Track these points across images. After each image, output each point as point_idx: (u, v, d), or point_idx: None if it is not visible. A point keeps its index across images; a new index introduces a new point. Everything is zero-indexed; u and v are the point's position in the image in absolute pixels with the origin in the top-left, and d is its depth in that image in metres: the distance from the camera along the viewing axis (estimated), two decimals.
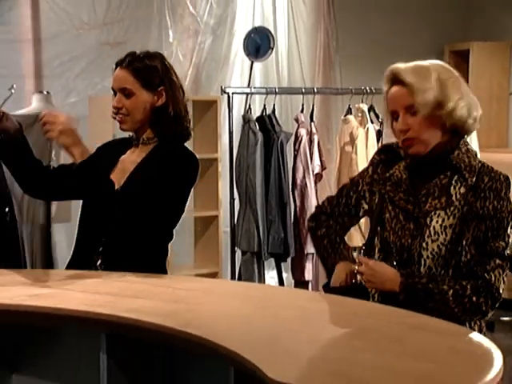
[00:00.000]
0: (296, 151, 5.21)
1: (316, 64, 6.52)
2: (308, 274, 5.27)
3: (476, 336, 1.83)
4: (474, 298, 2.16)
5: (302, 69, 6.47)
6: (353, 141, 5.18)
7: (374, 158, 2.46)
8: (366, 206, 2.42)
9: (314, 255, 5.24)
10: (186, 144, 2.83)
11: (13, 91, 2.93)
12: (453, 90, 2.21)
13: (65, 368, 2.14)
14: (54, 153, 4.52)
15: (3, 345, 2.16)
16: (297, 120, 5.27)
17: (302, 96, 5.38)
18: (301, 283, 5.31)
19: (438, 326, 1.90)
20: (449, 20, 7.25)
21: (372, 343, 1.74)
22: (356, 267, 2.23)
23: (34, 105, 4.79)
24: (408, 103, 2.21)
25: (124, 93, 2.72)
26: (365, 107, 5.30)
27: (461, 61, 7.11)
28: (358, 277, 2.23)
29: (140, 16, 5.82)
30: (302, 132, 5.21)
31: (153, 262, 2.66)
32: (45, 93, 4.85)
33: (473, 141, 5.63)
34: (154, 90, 2.70)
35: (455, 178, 2.23)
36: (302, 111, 5.28)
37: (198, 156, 5.39)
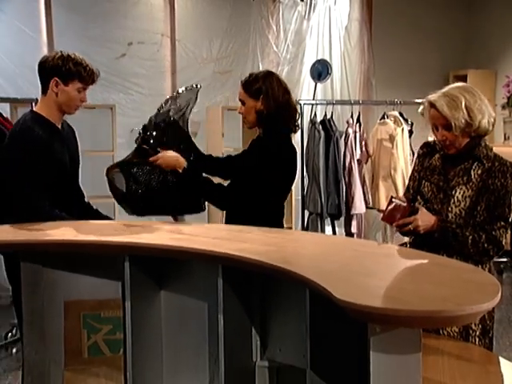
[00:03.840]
0: (345, 144, 5.11)
1: (358, 84, 6.42)
2: (353, 228, 5.20)
3: (482, 272, 1.74)
4: (486, 245, 2.12)
5: (348, 87, 6.37)
6: (393, 138, 5.04)
7: (418, 151, 2.41)
8: (416, 185, 2.35)
9: (357, 215, 5.17)
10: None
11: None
12: (478, 113, 2.13)
13: (195, 287, 2.15)
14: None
15: (155, 271, 2.19)
16: (347, 122, 5.17)
17: (350, 106, 5.28)
18: (349, 235, 5.24)
19: (456, 264, 1.82)
20: (453, 54, 7.04)
21: (409, 275, 1.68)
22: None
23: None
24: (443, 123, 2.15)
25: (241, 102, 2.63)
26: (396, 113, 5.15)
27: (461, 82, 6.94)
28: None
29: (240, 53, 5.81)
30: (350, 131, 5.11)
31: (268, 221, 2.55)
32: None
33: None
34: (256, 98, 2.55)
35: (475, 164, 2.19)
36: (351, 116, 5.18)
37: None
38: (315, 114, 5.12)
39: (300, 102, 5.05)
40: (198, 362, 2.16)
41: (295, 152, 2.70)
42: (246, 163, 2.63)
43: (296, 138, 5.26)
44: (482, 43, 7.08)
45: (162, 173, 2.57)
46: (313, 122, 5.07)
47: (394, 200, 2.18)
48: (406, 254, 1.96)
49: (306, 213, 5.21)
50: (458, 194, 2.17)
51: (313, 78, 5.63)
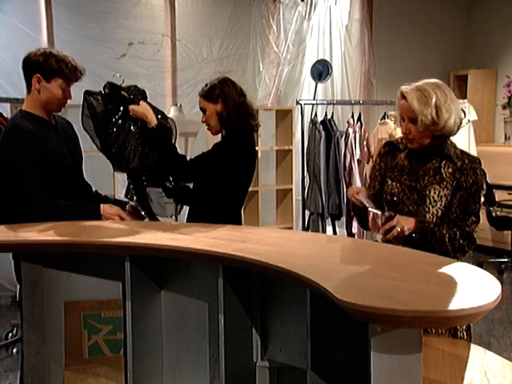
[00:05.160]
0: (345, 144, 5.11)
1: (358, 84, 6.42)
2: (354, 229, 5.19)
3: (482, 272, 1.72)
4: (461, 241, 2.16)
5: (349, 87, 6.37)
6: (392, 138, 5.02)
7: (380, 150, 2.40)
8: (377, 185, 2.35)
9: None
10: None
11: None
12: (445, 113, 2.13)
13: (195, 287, 2.15)
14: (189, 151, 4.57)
15: (155, 271, 2.18)
16: (348, 122, 5.16)
17: (351, 106, 5.27)
18: (350, 235, 5.23)
19: (456, 264, 1.81)
20: (453, 54, 7.08)
21: (406, 275, 1.67)
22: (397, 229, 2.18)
23: (171, 113, 4.84)
24: (410, 115, 2.15)
25: (202, 111, 2.79)
26: (397, 113, 5.14)
27: (461, 82, 7.03)
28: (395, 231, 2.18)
29: (241, 53, 5.82)
30: (350, 131, 5.11)
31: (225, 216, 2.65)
32: (178, 105, 4.90)
33: (471, 138, 5.44)
34: (215, 102, 2.70)
35: (443, 162, 2.21)
36: (352, 117, 5.18)
37: (277, 148, 5.34)
38: (316, 114, 5.13)
39: (300, 102, 5.07)
40: (198, 362, 2.15)
41: (254, 148, 2.81)
42: (206, 160, 2.74)
43: (297, 138, 5.28)
44: (482, 43, 7.08)
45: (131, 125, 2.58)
46: (313, 122, 5.07)
47: (370, 210, 2.22)
48: (407, 254, 1.96)
49: (307, 213, 5.21)
50: (432, 193, 2.19)
51: (313, 78, 5.63)
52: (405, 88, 2.17)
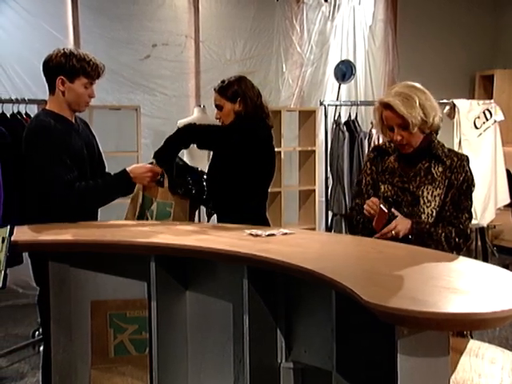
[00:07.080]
0: (369, 145, 5.06)
1: (382, 85, 6.36)
2: None
3: (507, 273, 1.69)
4: (457, 239, 2.18)
5: (372, 88, 6.31)
6: None
7: (368, 156, 2.42)
8: (371, 190, 2.34)
9: None
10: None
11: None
12: (430, 110, 2.18)
13: (220, 288, 2.15)
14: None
15: (180, 271, 2.19)
16: (372, 123, 5.12)
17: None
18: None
19: (483, 266, 1.79)
20: (479, 54, 6.94)
21: (436, 277, 1.66)
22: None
23: (195, 114, 4.89)
24: (400, 122, 2.18)
25: (218, 108, 2.78)
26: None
27: (487, 83, 6.89)
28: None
29: (264, 54, 5.81)
30: (374, 132, 5.06)
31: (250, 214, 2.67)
32: (202, 106, 4.92)
33: (497, 138, 5.35)
34: (234, 101, 2.70)
35: (433, 162, 2.24)
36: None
37: (300, 148, 5.31)
38: (339, 115, 5.10)
39: (324, 102, 5.04)
40: (222, 363, 2.16)
41: (270, 139, 2.79)
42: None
43: (320, 139, 5.26)
44: (509, 43, 6.97)
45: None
46: (337, 122, 5.04)
47: (381, 207, 2.19)
48: (433, 256, 1.94)
49: (330, 214, 5.19)
50: (425, 194, 2.21)
51: (337, 78, 5.59)
52: (385, 98, 2.20)
